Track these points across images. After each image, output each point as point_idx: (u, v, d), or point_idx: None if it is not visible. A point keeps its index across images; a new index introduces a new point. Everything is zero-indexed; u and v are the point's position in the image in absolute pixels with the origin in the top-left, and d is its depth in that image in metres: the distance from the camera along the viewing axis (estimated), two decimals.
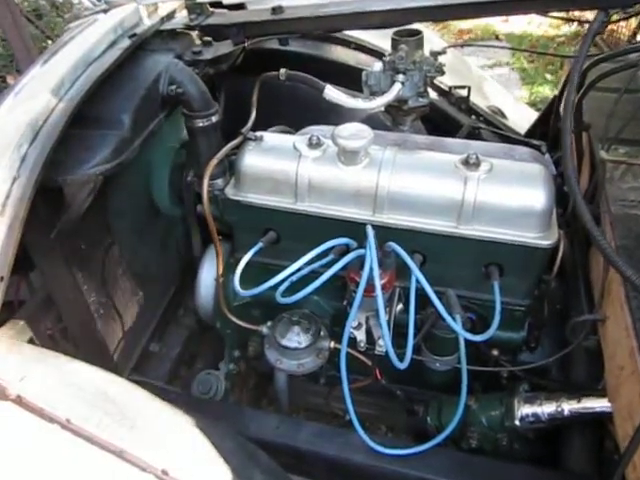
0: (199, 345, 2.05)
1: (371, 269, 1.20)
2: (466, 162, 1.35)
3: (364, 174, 1.37)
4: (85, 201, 1.18)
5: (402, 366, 1.20)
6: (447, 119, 2.22)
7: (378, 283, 1.18)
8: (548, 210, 1.31)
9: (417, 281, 1.28)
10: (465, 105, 2.23)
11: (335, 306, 1.59)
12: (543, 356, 1.57)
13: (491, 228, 1.34)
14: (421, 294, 1.30)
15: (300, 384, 1.82)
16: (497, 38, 5.74)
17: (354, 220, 1.39)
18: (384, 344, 1.37)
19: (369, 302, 1.34)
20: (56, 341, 1.67)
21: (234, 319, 1.53)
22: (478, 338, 1.21)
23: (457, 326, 1.20)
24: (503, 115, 2.47)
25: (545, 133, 2.15)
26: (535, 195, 1.30)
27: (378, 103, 1.49)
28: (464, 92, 2.05)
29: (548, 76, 4.96)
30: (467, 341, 1.31)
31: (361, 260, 1.27)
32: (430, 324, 1.36)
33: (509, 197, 1.32)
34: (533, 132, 2.32)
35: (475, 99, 2.30)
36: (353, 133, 1.34)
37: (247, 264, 1.42)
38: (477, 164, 1.34)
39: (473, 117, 2.04)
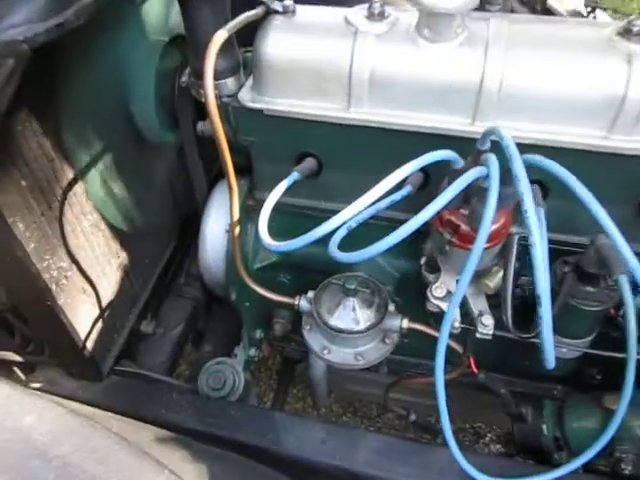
0: (207, 323, 1.58)
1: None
2: (627, 31, 0.83)
3: (460, 56, 0.86)
4: (2, 94, 0.69)
5: (550, 364, 0.72)
6: None
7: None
8: None
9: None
10: (541, 5, 1.72)
11: (402, 267, 1.11)
12: None
13: None
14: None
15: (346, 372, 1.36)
16: None
17: (442, 132, 0.89)
18: (490, 324, 0.90)
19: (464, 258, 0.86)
20: (10, 324, 1.21)
21: (256, 287, 1.04)
22: None
23: None
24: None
25: None
26: None
27: None
28: None
29: None
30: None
31: (466, 193, 0.79)
32: (567, 291, 0.87)
33: None
34: None
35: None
36: None
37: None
38: None
39: None
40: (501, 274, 0.90)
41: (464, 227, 0.82)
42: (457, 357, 1.05)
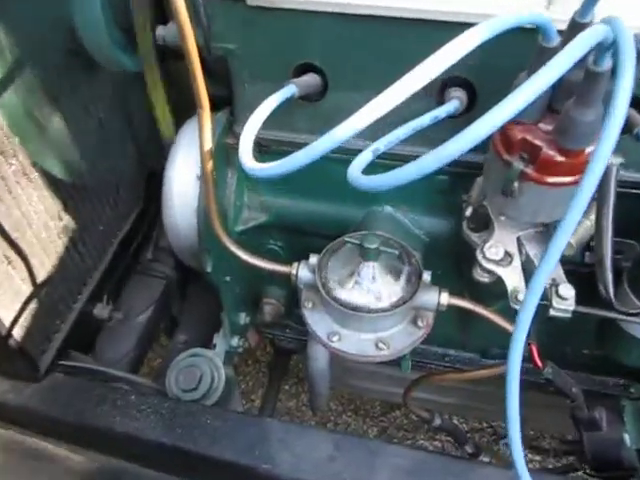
0: (182, 307, 1.31)
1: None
2: None
3: None
4: None
5: None
6: None
7: None
8: None
9: None
10: None
11: (433, 227, 0.84)
12: None
13: None
14: None
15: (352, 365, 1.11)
16: None
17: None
18: (570, 296, 0.64)
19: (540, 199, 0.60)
20: None
21: (238, 252, 0.77)
22: None
23: None
24: None
25: None
26: None
27: None
28: None
29: None
30: None
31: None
32: None
33: None
34: None
35: None
36: None
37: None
38: None
39: None
40: (587, 225, 0.64)
41: (547, 150, 0.55)
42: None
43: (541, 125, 0.56)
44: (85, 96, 0.96)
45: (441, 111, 0.61)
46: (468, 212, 0.71)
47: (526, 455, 1.70)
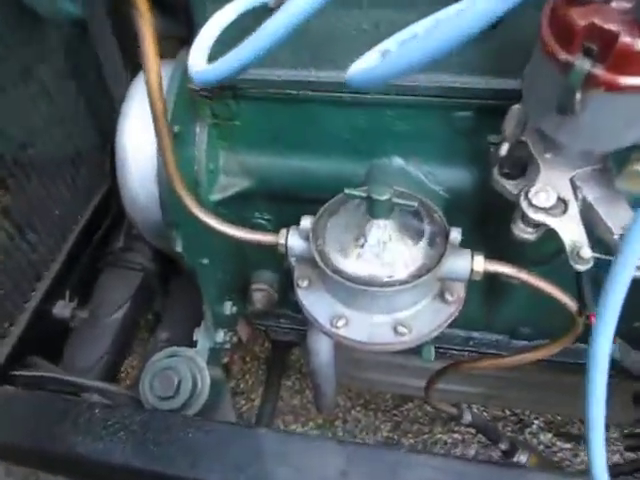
0: (164, 300, 1.15)
1: None
2: None
3: None
4: None
5: None
6: None
7: None
8: None
9: None
10: None
11: (454, 180, 0.68)
12: None
13: None
14: None
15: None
16: None
17: None
18: None
19: (604, 116, 0.44)
20: None
21: (210, 221, 0.60)
22: None
23: None
24: None
25: None
26: None
27: None
28: None
29: None
30: None
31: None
32: None
33: None
34: None
35: None
36: None
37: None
38: None
39: None
40: None
41: (626, 37, 0.39)
42: (553, 317, 0.63)
43: (614, 4, 0.40)
44: (26, 55, 0.80)
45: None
46: (503, 150, 0.55)
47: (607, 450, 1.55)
